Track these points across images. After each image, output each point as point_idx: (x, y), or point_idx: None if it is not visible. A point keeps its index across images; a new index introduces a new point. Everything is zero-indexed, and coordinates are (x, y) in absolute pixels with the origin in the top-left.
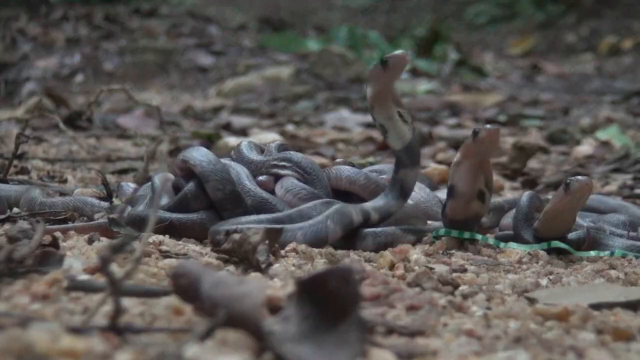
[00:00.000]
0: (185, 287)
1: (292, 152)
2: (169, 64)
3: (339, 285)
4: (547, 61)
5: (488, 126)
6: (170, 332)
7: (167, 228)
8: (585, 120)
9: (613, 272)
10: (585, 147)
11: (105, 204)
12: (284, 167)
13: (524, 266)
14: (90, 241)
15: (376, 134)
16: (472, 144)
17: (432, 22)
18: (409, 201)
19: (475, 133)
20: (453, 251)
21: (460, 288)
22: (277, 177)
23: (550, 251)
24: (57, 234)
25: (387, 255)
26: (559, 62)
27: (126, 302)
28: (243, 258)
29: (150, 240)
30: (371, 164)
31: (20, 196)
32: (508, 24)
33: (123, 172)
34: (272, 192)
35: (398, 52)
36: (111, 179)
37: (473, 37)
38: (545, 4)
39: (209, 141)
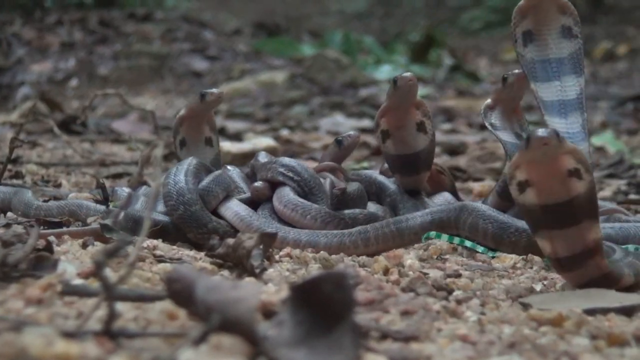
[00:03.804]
0: (180, 291)
1: (298, 163)
2: (164, 69)
3: (333, 290)
4: None
5: (516, 71)
6: (165, 336)
7: (162, 232)
8: None
9: None
10: None
11: (101, 208)
12: (291, 178)
13: (518, 271)
14: (84, 245)
15: (371, 139)
16: (502, 89)
17: (427, 28)
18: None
19: (504, 79)
20: (447, 256)
21: (455, 293)
22: (273, 183)
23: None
24: (52, 238)
25: (382, 260)
26: None
27: (120, 306)
28: (237, 263)
29: (145, 244)
30: (365, 168)
31: (7, 198)
32: (503, 29)
33: (117, 176)
34: (267, 199)
35: (406, 74)
36: (105, 183)
37: (468, 43)
38: None
39: None
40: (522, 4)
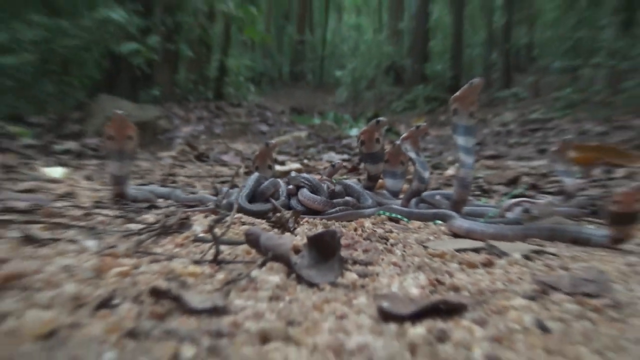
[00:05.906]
0: (252, 240)
1: (310, 176)
2: (247, 130)
3: (329, 239)
4: (431, 129)
5: (424, 124)
6: (245, 263)
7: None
8: (449, 157)
9: None
10: (451, 171)
11: (214, 198)
12: (306, 184)
13: (421, 230)
14: (205, 217)
15: (347, 164)
16: (415, 131)
17: (375, 110)
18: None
19: (417, 127)
20: (386, 222)
21: (390, 241)
22: (298, 187)
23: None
24: (189, 213)
25: (353, 225)
26: (437, 130)
27: (222, 247)
28: (281, 225)
29: (235, 216)
30: (345, 179)
31: (167, 193)
32: (412, 111)
33: (223, 182)
34: (294, 194)
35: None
36: (217, 186)
37: (395, 117)
38: (430, 101)
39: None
40: (456, 95)
